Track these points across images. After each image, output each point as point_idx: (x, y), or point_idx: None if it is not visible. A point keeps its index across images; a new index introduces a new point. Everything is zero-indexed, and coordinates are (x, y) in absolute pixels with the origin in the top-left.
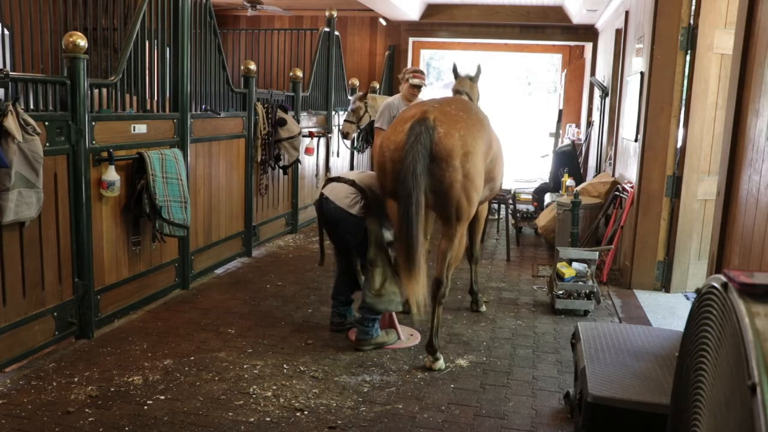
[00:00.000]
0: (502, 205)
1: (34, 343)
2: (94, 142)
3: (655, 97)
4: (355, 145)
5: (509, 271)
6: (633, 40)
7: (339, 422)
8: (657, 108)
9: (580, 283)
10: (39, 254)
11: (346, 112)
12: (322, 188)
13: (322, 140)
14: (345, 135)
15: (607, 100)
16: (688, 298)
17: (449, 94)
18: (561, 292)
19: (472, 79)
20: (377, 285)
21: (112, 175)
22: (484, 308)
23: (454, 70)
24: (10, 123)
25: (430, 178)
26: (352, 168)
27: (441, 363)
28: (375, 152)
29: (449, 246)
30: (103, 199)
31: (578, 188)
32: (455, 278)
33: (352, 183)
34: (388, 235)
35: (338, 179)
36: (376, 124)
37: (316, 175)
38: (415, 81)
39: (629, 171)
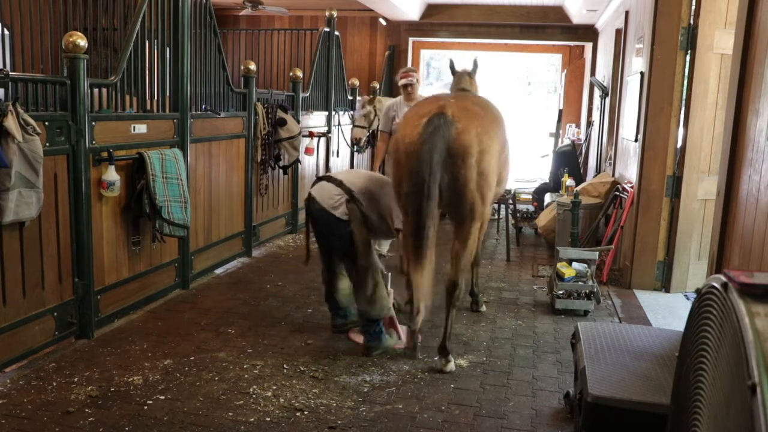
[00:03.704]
0: (502, 205)
1: (34, 343)
2: (94, 142)
3: (655, 97)
4: (357, 148)
5: (509, 271)
6: (633, 40)
7: (339, 422)
8: (657, 108)
9: (580, 283)
10: (39, 254)
11: (356, 118)
12: (311, 187)
13: (322, 140)
14: (357, 141)
15: (607, 100)
16: (688, 298)
17: (449, 93)
18: (561, 292)
19: (470, 75)
20: (369, 291)
21: (112, 175)
22: (484, 308)
23: (451, 66)
24: (10, 123)
25: (445, 175)
26: (351, 168)
27: (452, 365)
28: (379, 153)
29: (463, 247)
30: (103, 199)
31: (578, 188)
32: None
33: (339, 183)
34: (384, 248)
35: (328, 178)
36: (380, 128)
37: (316, 175)
38: (402, 81)
39: (629, 171)
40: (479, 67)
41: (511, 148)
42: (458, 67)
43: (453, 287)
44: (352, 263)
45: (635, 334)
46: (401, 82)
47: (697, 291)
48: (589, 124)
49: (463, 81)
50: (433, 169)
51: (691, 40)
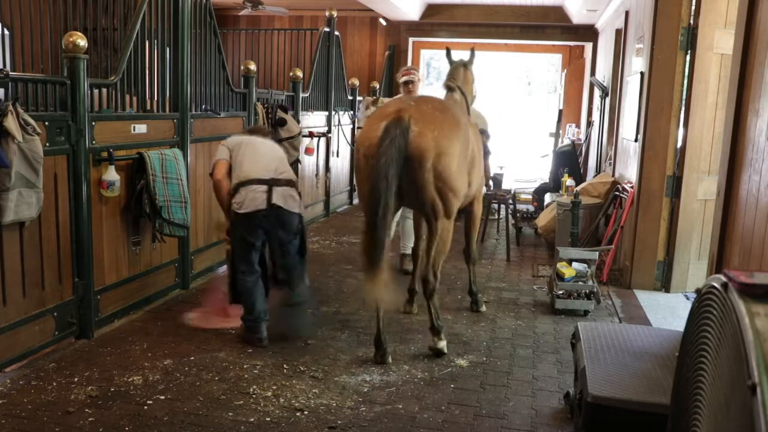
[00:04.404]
0: (502, 205)
1: (34, 343)
2: (94, 142)
3: (655, 97)
4: None
5: (509, 271)
6: (633, 40)
7: (339, 422)
8: (657, 108)
9: (580, 283)
10: (39, 254)
11: (360, 119)
12: (270, 199)
13: (322, 140)
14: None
15: (607, 100)
16: (688, 298)
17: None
18: (561, 292)
19: (466, 66)
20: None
21: (112, 175)
22: (484, 308)
23: (448, 55)
24: (10, 123)
25: (403, 178)
26: (351, 166)
27: (444, 343)
28: None
29: (432, 242)
30: (103, 199)
31: (578, 188)
32: (455, 278)
33: (292, 183)
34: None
35: (275, 182)
36: None
37: (316, 175)
38: (404, 78)
39: (629, 171)
40: (475, 56)
41: (481, 151)
42: (455, 57)
43: (426, 283)
44: (297, 254)
45: (635, 334)
46: (402, 79)
47: (697, 291)
48: (589, 124)
49: (456, 73)
50: (390, 184)
51: (691, 40)
